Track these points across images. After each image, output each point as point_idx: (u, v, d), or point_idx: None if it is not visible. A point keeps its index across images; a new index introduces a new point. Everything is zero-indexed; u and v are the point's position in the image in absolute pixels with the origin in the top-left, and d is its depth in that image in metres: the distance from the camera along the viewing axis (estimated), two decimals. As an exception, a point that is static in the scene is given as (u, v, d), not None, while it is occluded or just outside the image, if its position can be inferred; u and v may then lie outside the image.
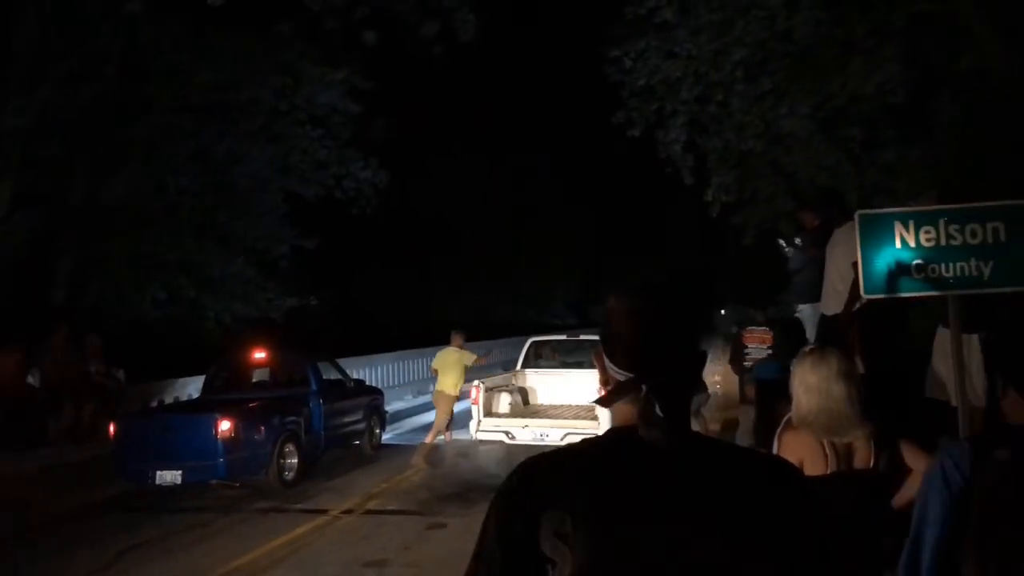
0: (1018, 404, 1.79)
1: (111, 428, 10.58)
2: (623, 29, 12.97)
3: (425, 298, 31.98)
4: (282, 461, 10.81)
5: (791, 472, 1.47)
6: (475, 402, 12.01)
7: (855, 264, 5.70)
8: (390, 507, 9.65)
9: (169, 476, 9.92)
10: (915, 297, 4.87)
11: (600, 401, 1.48)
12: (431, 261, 32.75)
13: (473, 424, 12.01)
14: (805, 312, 7.37)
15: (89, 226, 15.14)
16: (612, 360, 1.48)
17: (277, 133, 16.77)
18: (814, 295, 6.77)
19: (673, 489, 1.35)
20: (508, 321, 31.98)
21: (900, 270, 4.78)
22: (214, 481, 10.28)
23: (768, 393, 8.38)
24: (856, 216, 4.93)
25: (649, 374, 1.43)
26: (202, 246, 16.62)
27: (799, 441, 3.23)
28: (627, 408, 1.45)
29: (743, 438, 9.00)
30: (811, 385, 3.20)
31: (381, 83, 17.47)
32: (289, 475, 10.90)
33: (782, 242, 8.47)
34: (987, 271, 4.63)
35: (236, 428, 10.13)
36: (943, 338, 5.26)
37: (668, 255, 49.75)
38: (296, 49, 15.82)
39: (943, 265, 4.69)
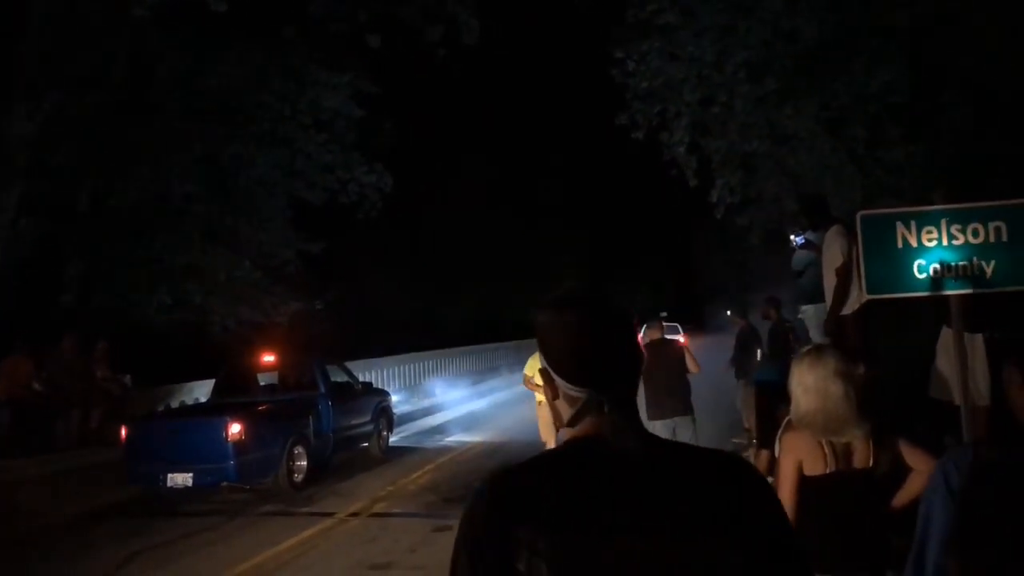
0: None
1: (122, 431, 10.65)
2: (626, 31, 12.98)
3: (431, 301, 31.99)
4: (291, 463, 10.86)
5: (748, 469, 1.47)
6: None
7: (838, 270, 5.73)
8: (396, 510, 9.67)
9: (180, 479, 10.01)
10: (918, 297, 4.87)
11: (569, 423, 1.47)
12: (437, 264, 32.76)
13: None
14: (808, 312, 7.37)
15: (96, 231, 15.21)
16: (563, 377, 1.47)
17: (282, 137, 16.79)
18: (817, 296, 6.78)
19: (648, 496, 1.34)
20: (517, 323, 31.93)
21: (902, 270, 4.78)
22: (224, 484, 10.28)
23: (768, 395, 8.37)
24: (858, 217, 4.93)
25: (609, 388, 1.44)
26: (209, 250, 16.67)
27: (799, 441, 3.24)
28: (585, 420, 1.45)
29: None
30: (808, 385, 3.20)
31: (386, 87, 17.50)
32: (298, 477, 10.97)
33: (792, 237, 8.47)
34: (989, 271, 4.63)
35: (246, 431, 10.19)
36: (946, 338, 5.26)
37: (673, 255, 49.73)
38: (301, 53, 15.88)
39: (945, 265, 4.68)
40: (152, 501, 10.28)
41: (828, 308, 6.13)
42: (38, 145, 13.59)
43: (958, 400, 4.85)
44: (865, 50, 10.38)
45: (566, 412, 1.49)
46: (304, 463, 11.13)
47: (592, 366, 1.46)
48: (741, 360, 11.62)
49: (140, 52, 14.49)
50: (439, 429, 16.59)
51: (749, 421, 10.53)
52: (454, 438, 15.01)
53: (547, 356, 1.51)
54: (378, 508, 9.79)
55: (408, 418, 17.84)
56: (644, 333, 8.63)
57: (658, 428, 8.23)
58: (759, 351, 10.80)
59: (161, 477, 10.05)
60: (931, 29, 9.43)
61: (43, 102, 13.38)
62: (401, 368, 21.58)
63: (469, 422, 16.97)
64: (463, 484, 10.70)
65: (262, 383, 12.75)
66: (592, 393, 1.45)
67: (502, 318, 32.32)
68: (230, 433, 10.07)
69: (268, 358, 12.72)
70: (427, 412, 19.31)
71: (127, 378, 13.45)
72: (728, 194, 13.89)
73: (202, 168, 16.11)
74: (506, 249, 36.87)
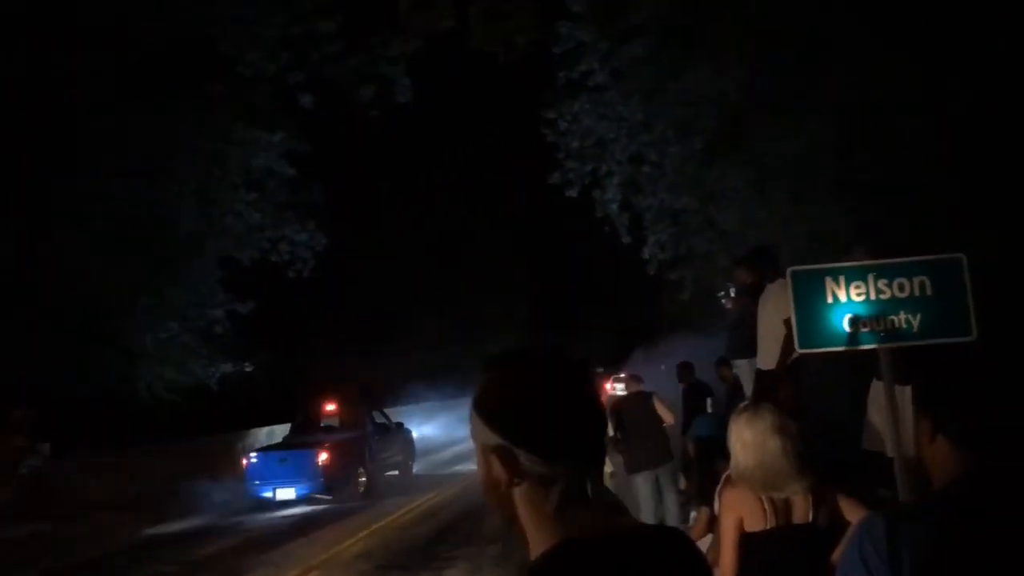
0: (947, 452, 1.76)
1: (243, 461, 15.42)
2: (557, 92, 13.23)
3: (363, 361, 31.55)
4: (358, 480, 15.28)
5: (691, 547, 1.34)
6: None
7: (787, 320, 5.77)
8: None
9: (285, 493, 14.34)
10: (848, 351, 4.93)
11: (557, 512, 1.19)
12: (369, 323, 32.44)
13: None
14: (742, 367, 7.43)
15: (13, 297, 14.62)
16: (533, 450, 1.19)
17: (211, 196, 16.51)
18: (751, 350, 6.84)
19: None
20: (451, 384, 31.67)
21: (832, 324, 4.85)
22: (317, 495, 14.48)
23: (707, 450, 8.41)
24: (788, 272, 5.00)
25: (588, 460, 1.22)
26: (133, 313, 16.17)
27: (738, 497, 3.23)
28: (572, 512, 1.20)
29: None
30: (747, 441, 3.20)
31: (318, 144, 17.42)
32: (361, 490, 15.23)
33: (722, 296, 8.59)
34: (916, 323, 4.72)
35: (331, 458, 14.64)
36: (877, 390, 5.33)
37: (608, 312, 50.10)
38: (229, 111, 15.69)
39: (874, 319, 4.76)
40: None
41: (770, 357, 6.15)
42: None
43: (890, 452, 4.90)
44: (788, 112, 10.69)
45: (535, 504, 1.21)
46: (364, 480, 15.40)
47: (572, 433, 1.21)
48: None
49: (59, 107, 14.09)
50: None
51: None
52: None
53: (505, 427, 1.21)
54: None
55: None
56: (625, 386, 8.84)
57: (639, 480, 8.26)
58: (709, 401, 10.58)
59: (272, 492, 14.37)
60: (853, 95, 9.76)
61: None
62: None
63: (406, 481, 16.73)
64: (398, 551, 10.45)
65: (323, 424, 16.81)
66: (572, 469, 1.19)
67: (439, 379, 32.14)
68: (321, 459, 14.55)
69: (330, 406, 17.22)
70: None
71: (46, 447, 12.85)
72: (660, 250, 14.12)
73: (126, 228, 15.66)
74: (443, 308, 36.73)
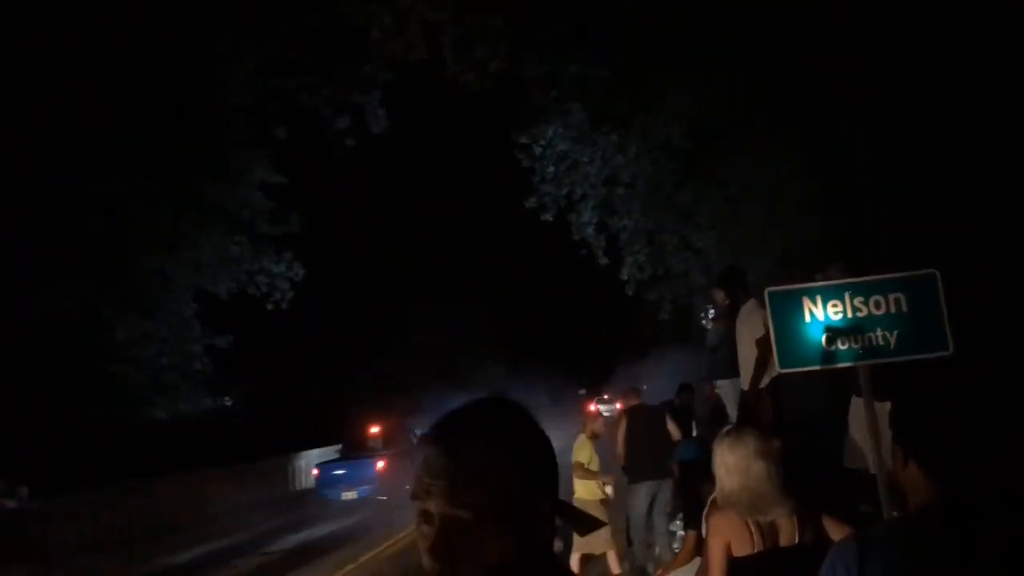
0: (917, 478, 1.79)
1: (314, 471, 18.75)
2: (529, 116, 13.31)
3: (344, 392, 31.31)
4: (405, 486, 15.14)
5: None
6: None
7: (759, 341, 5.81)
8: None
9: (349, 494, 17.16)
10: (828, 369, 4.97)
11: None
12: (350, 354, 32.21)
13: None
14: (724, 388, 7.46)
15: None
16: (553, 490, 1.28)
17: (186, 231, 16.37)
18: (732, 371, 6.86)
19: None
20: (433, 410, 31.40)
21: (811, 343, 4.88)
22: (374, 496, 16.88)
23: (690, 473, 8.39)
24: (765, 293, 5.04)
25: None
26: (112, 350, 15.96)
27: (725, 522, 3.24)
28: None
29: None
30: (731, 466, 3.21)
31: (295, 175, 17.38)
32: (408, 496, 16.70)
33: (702, 317, 8.64)
34: (893, 340, 4.76)
35: (386, 467, 17.38)
36: (858, 407, 5.37)
37: (588, 333, 50.13)
38: (206, 144, 15.60)
39: (851, 336, 4.80)
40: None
41: (749, 379, 6.18)
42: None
43: (872, 468, 4.92)
44: (759, 137, 10.78)
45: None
46: (408, 487, 16.20)
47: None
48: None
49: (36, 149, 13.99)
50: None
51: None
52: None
53: (545, 472, 1.27)
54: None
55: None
56: (624, 399, 8.92)
57: (642, 492, 8.22)
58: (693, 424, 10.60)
59: (339, 493, 17.26)
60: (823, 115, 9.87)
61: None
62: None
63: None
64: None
65: (369, 442, 18.79)
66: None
67: (421, 408, 31.86)
68: (378, 467, 17.42)
69: (374, 428, 19.33)
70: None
71: (24, 491, 12.58)
72: (637, 271, 14.18)
73: (101, 263, 15.49)
74: (423, 337, 36.54)
